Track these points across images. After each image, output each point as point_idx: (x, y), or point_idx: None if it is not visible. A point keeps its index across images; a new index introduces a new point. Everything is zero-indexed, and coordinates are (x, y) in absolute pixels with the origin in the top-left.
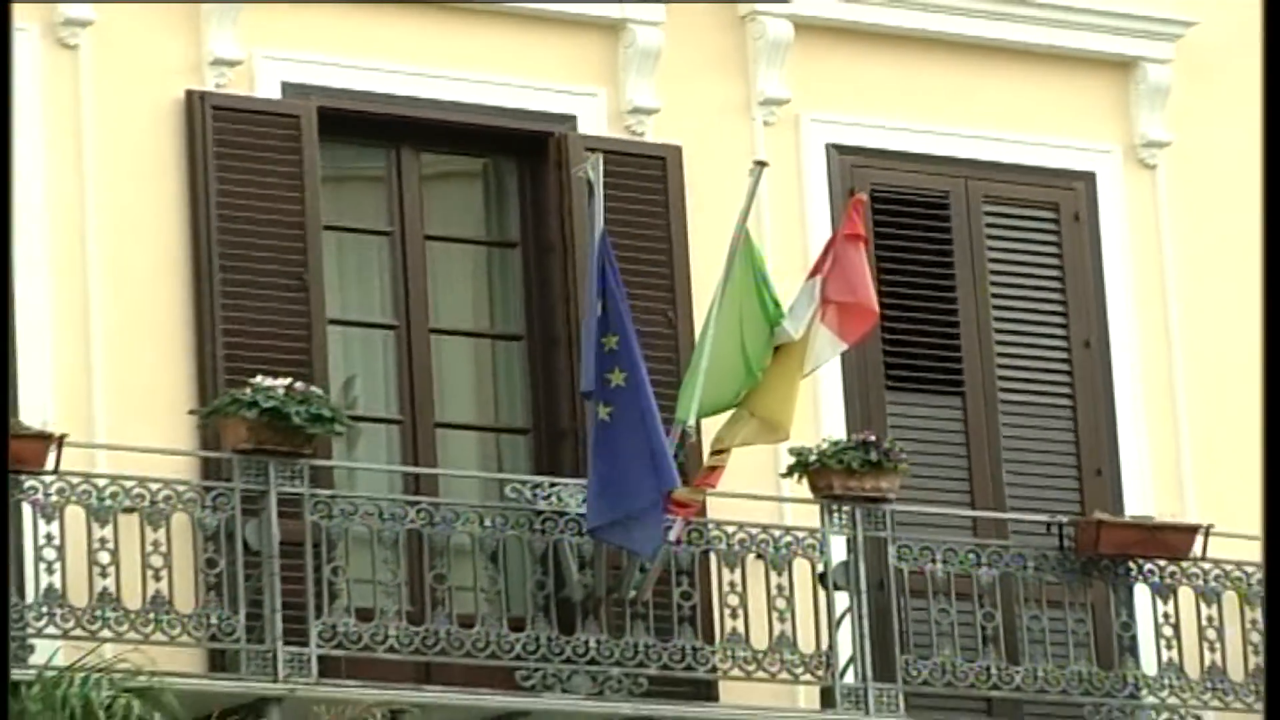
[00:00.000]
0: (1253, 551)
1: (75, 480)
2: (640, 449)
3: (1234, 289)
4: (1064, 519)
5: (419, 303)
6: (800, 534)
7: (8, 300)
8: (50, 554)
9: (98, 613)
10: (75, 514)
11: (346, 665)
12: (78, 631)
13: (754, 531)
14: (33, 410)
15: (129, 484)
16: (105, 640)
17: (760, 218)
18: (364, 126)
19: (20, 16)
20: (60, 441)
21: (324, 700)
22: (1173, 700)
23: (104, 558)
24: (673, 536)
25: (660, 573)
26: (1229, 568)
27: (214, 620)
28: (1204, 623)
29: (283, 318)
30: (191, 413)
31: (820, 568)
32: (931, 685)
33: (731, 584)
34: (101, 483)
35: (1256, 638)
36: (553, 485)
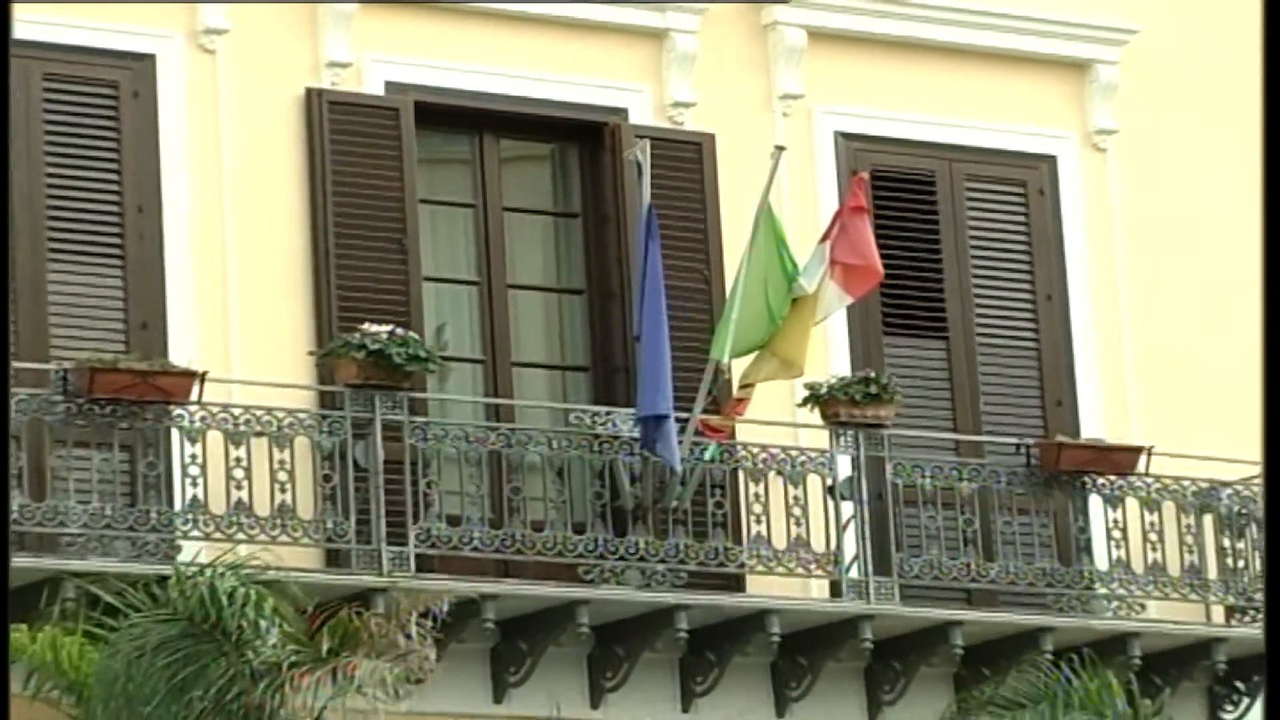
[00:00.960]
0: (1187, 468)
1: (215, 410)
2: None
3: (1173, 252)
4: (1030, 441)
5: (498, 263)
6: (812, 454)
7: (6, 293)
8: (194, 471)
9: (233, 519)
10: (215, 438)
11: (438, 562)
12: (217, 535)
13: (774, 452)
14: (180, 352)
15: (259, 413)
16: (239, 542)
17: (780, 193)
18: (452, 117)
19: (165, 25)
20: (203, 378)
21: (420, 591)
22: (1121, 591)
23: (238, 474)
24: (708, 456)
25: (697, 486)
26: (1168, 481)
27: (329, 525)
28: (1147, 527)
29: (385, 275)
30: (311, 354)
31: (829, 482)
32: (921, 579)
33: (756, 495)
34: (237, 412)
35: (1190, 539)
36: (608, 413)
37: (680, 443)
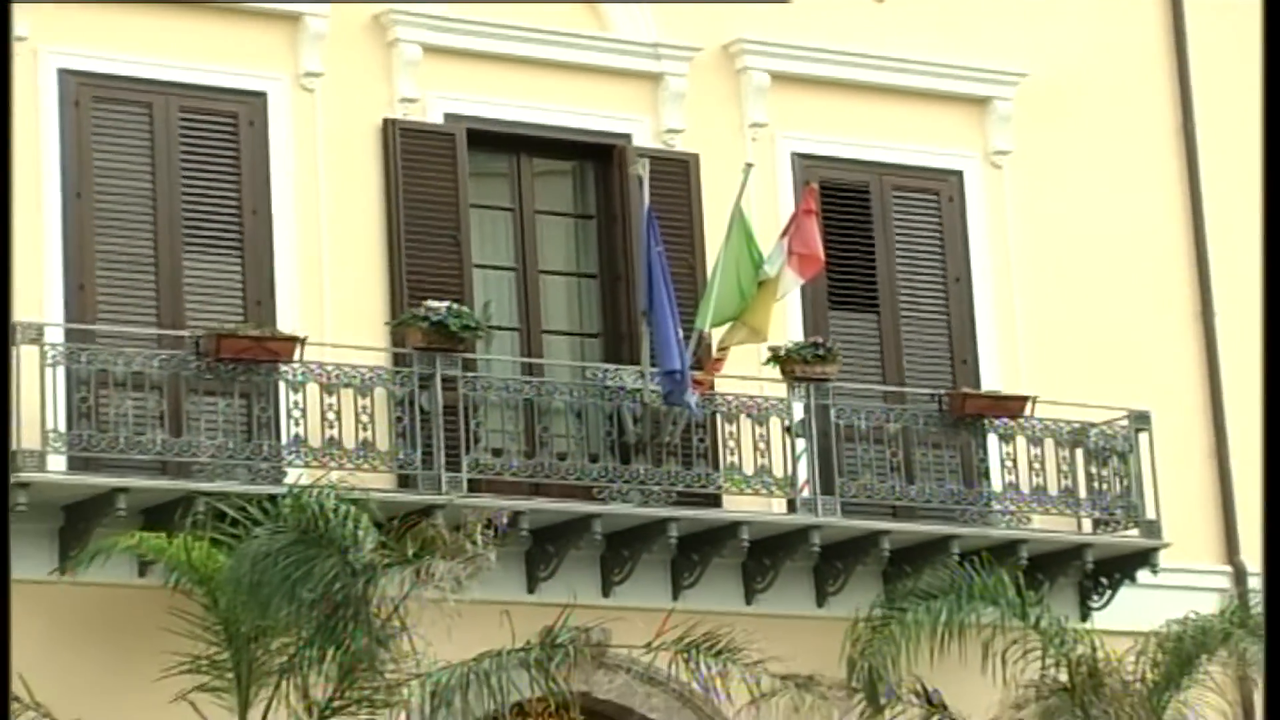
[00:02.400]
0: (1063, 412)
1: (312, 366)
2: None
3: (1054, 245)
4: (942, 392)
5: (530, 254)
6: (774, 401)
7: (8, 293)
8: (296, 414)
9: (327, 451)
10: (312, 388)
11: (484, 484)
12: (314, 463)
13: (744, 400)
14: (286, 322)
15: (346, 369)
16: (332, 469)
17: (749, 199)
18: (496, 141)
19: (275, 69)
20: (303, 342)
21: (470, 507)
22: (1011, 508)
23: (330, 416)
24: (693, 404)
25: (685, 425)
26: (1048, 423)
27: (400, 456)
28: (1031, 458)
29: (443, 263)
30: (386, 324)
31: (786, 423)
32: (857, 498)
33: (730, 433)
34: (329, 368)
35: (1065, 468)
36: (616, 370)
37: (690, 389)
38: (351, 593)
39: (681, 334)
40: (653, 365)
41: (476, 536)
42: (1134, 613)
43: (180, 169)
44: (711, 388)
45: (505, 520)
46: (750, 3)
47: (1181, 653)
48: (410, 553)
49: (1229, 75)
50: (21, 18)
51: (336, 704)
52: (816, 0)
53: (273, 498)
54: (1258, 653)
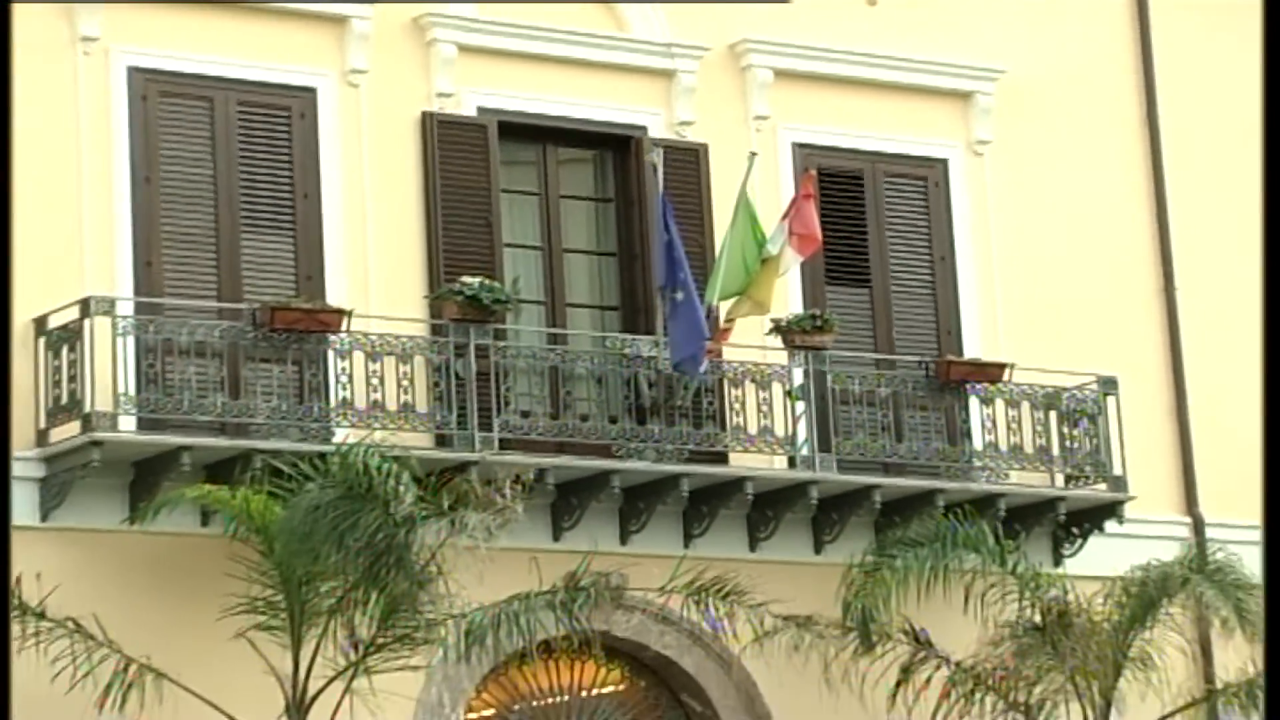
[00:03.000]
0: (1038, 378)
1: (358, 336)
2: (689, 327)
3: (1030, 225)
4: (928, 359)
5: (555, 234)
6: (776, 368)
7: (9, 291)
8: (343, 379)
9: (371, 413)
10: (358, 356)
11: (514, 443)
12: (359, 424)
13: (749, 366)
14: (334, 296)
15: (389, 338)
16: (375, 429)
17: (753, 184)
18: (524, 132)
19: (323, 66)
20: (350, 314)
21: (501, 463)
22: (991, 464)
23: (374, 381)
24: (702, 369)
25: (695, 390)
26: (1024, 387)
27: (438, 417)
28: (1009, 419)
29: (477, 241)
30: (425, 297)
31: (787, 387)
32: (851, 455)
33: (736, 396)
34: (373, 337)
35: (1040, 428)
36: (633, 340)
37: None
38: (393, 542)
39: (701, 307)
40: (666, 334)
41: (505, 491)
42: (1102, 560)
43: (238, 157)
44: (720, 355)
45: (531, 477)
46: (755, 3)
47: (1144, 596)
48: (446, 505)
49: (1190, 71)
50: (92, 19)
51: (380, 641)
52: (815, 3)
53: (322, 455)
54: (1214, 596)
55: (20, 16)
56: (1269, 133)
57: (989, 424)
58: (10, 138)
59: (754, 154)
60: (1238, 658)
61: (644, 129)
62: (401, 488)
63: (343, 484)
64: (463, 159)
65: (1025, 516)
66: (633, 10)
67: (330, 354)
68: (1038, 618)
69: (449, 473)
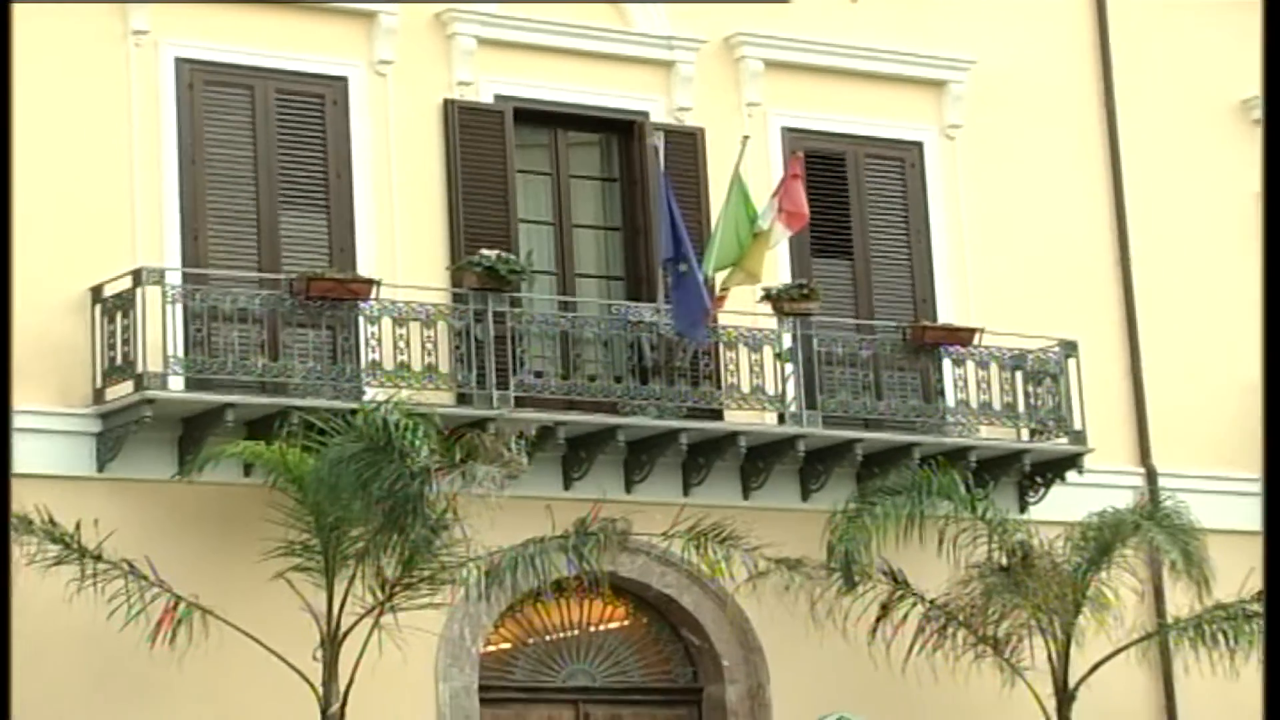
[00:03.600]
0: (1005, 341)
1: (386, 303)
2: (692, 297)
3: (997, 202)
4: (905, 324)
5: (566, 210)
6: (767, 332)
7: (8, 288)
8: (373, 343)
9: (398, 373)
10: (386, 322)
11: (528, 401)
12: (387, 384)
13: (742, 330)
14: (365, 267)
15: (414, 305)
16: (402, 388)
17: (746, 165)
18: (537, 117)
19: (353, 57)
20: (378, 283)
21: (516, 420)
22: (962, 420)
23: (401, 344)
24: (699, 335)
25: (693, 353)
26: (992, 349)
27: (459, 377)
28: (979, 379)
29: (495, 218)
30: (447, 268)
31: (777, 350)
32: (835, 412)
33: (730, 358)
34: (400, 304)
35: (1006, 386)
36: (636, 307)
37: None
38: (410, 491)
39: (702, 278)
40: (667, 302)
41: (511, 445)
42: (1062, 507)
43: (276, 140)
44: (716, 321)
45: (532, 432)
46: (747, 2)
47: (1101, 540)
48: (458, 458)
49: (1143, 60)
50: (142, 15)
51: (405, 581)
52: (802, 1)
53: (352, 412)
54: (1165, 541)
55: (76, 13)
56: (1269, 132)
57: (960, 383)
58: (10, 138)
59: (746, 137)
60: (1186, 597)
61: (646, 114)
62: (417, 442)
63: (366, 439)
64: (481, 142)
65: (993, 467)
66: (636, 7)
67: (361, 320)
68: (1004, 560)
69: (467, 428)
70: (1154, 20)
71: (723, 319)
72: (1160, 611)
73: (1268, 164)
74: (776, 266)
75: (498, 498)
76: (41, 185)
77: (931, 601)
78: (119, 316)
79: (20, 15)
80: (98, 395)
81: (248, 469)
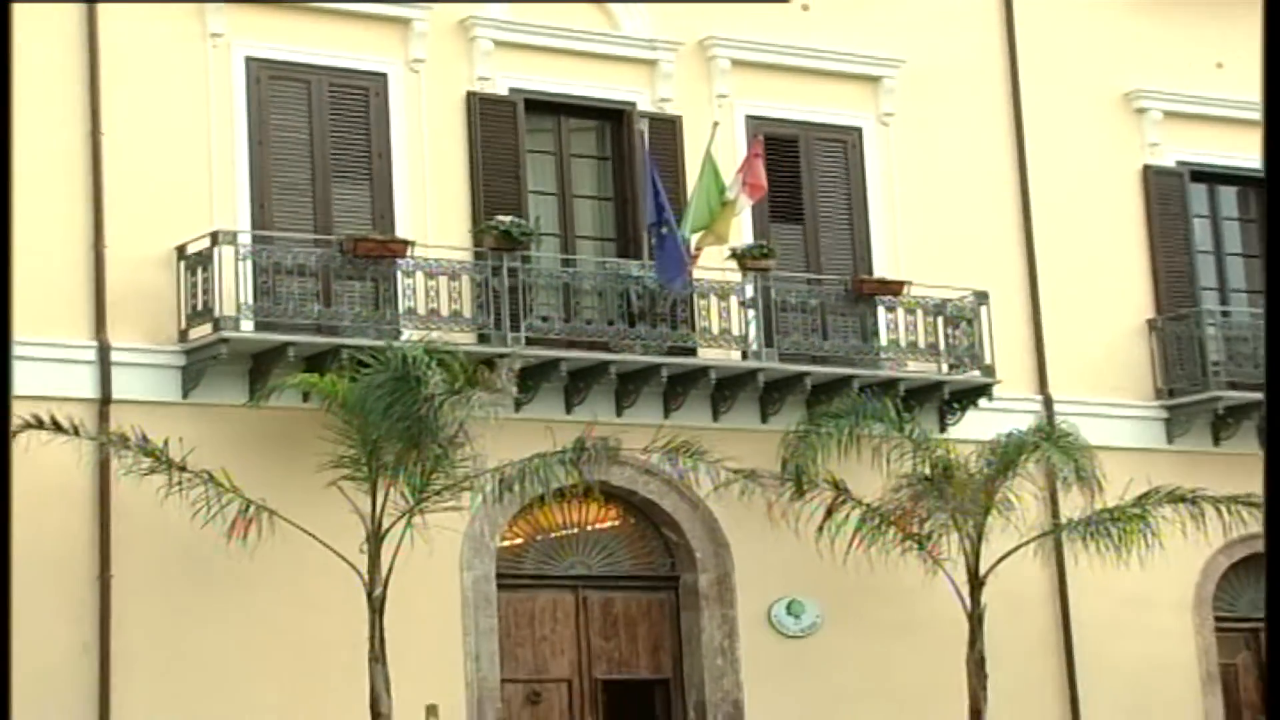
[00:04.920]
0: (929, 291)
1: (420, 260)
2: (671, 255)
3: (923, 175)
4: (847, 277)
5: (567, 183)
6: (733, 284)
7: (8, 288)
8: (408, 292)
9: (430, 319)
10: (419, 275)
11: (536, 340)
12: (420, 326)
13: (713, 283)
14: (401, 230)
15: (443, 261)
16: (431, 329)
17: (716, 146)
18: (544, 106)
19: (391, 56)
20: (413, 244)
21: (526, 355)
22: (893, 357)
23: (433, 293)
24: (678, 286)
25: (672, 301)
26: (919, 299)
27: (479, 320)
28: (907, 322)
29: (508, 189)
30: (470, 231)
31: (741, 299)
32: (789, 349)
33: (703, 305)
34: (431, 261)
35: (930, 330)
36: (625, 263)
37: (685, 275)
38: (426, 414)
39: (680, 239)
40: (653, 261)
41: (503, 377)
42: (975, 428)
43: (328, 125)
44: (691, 275)
45: (516, 367)
46: (718, 3)
47: (1006, 455)
48: (461, 387)
49: (1044, 60)
50: (218, 20)
51: (430, 489)
52: (763, 10)
53: (382, 350)
54: (1059, 456)
55: (163, 19)
56: (1269, 132)
57: (892, 326)
58: (10, 136)
59: (716, 123)
60: (1077, 502)
61: (634, 104)
62: (431, 374)
63: (391, 371)
64: (497, 127)
65: (918, 395)
66: (625, 14)
67: (398, 274)
68: (928, 471)
69: (486, 363)
70: (1053, 25)
71: (696, 274)
72: (1055, 513)
73: (1268, 164)
74: (741, 230)
75: (496, 420)
76: (134, 162)
77: (867, 505)
78: (199, 270)
79: (114, 21)
80: (182, 335)
81: (305, 396)
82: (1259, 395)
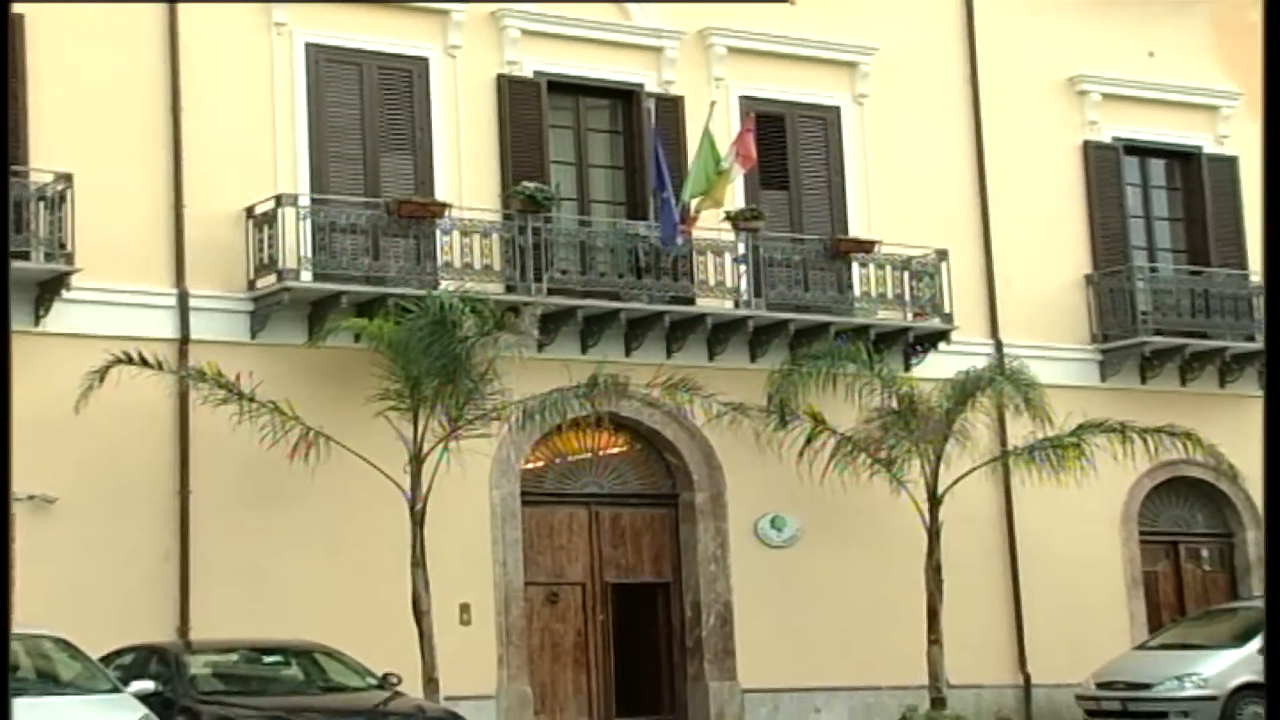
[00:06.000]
0: (897, 249)
1: (456, 220)
2: (671, 216)
3: (891, 148)
4: (826, 237)
5: (585, 155)
6: (727, 242)
7: (7, 290)
8: (446, 248)
9: (462, 269)
10: (455, 234)
11: (557, 290)
12: (455, 277)
13: (710, 241)
14: (440, 194)
15: (476, 221)
16: (468, 281)
17: (714, 123)
18: (564, 87)
19: (430, 42)
20: (450, 206)
21: (550, 304)
22: (865, 306)
23: (466, 251)
24: (679, 242)
25: (674, 257)
26: (889, 256)
27: (507, 273)
28: (862, 278)
29: (532, 160)
30: (500, 195)
31: (734, 256)
32: (776, 300)
33: (701, 261)
34: (466, 221)
35: (896, 283)
36: (634, 223)
37: (680, 235)
38: (459, 354)
39: (677, 204)
40: (657, 222)
41: (526, 322)
42: (936, 367)
43: (378, 102)
44: (690, 235)
45: (537, 314)
46: (715, 3)
47: (963, 391)
48: (488, 330)
49: (1000, 48)
50: (282, 11)
51: (464, 418)
52: (755, 4)
53: (422, 298)
54: (1009, 391)
55: (236, 12)
56: (1269, 132)
57: (864, 279)
58: (8, 134)
59: (713, 103)
60: (1022, 432)
61: (642, 86)
62: (463, 319)
63: (430, 316)
64: (523, 105)
65: (887, 339)
66: (635, 7)
67: (437, 232)
68: (894, 405)
69: (512, 309)
70: (1007, 18)
71: (695, 233)
72: (1003, 441)
73: (1268, 164)
74: (734, 196)
75: (521, 359)
76: (210, 135)
77: (842, 435)
78: (265, 228)
79: (192, 15)
80: (250, 284)
81: (356, 338)
82: (1181, 340)
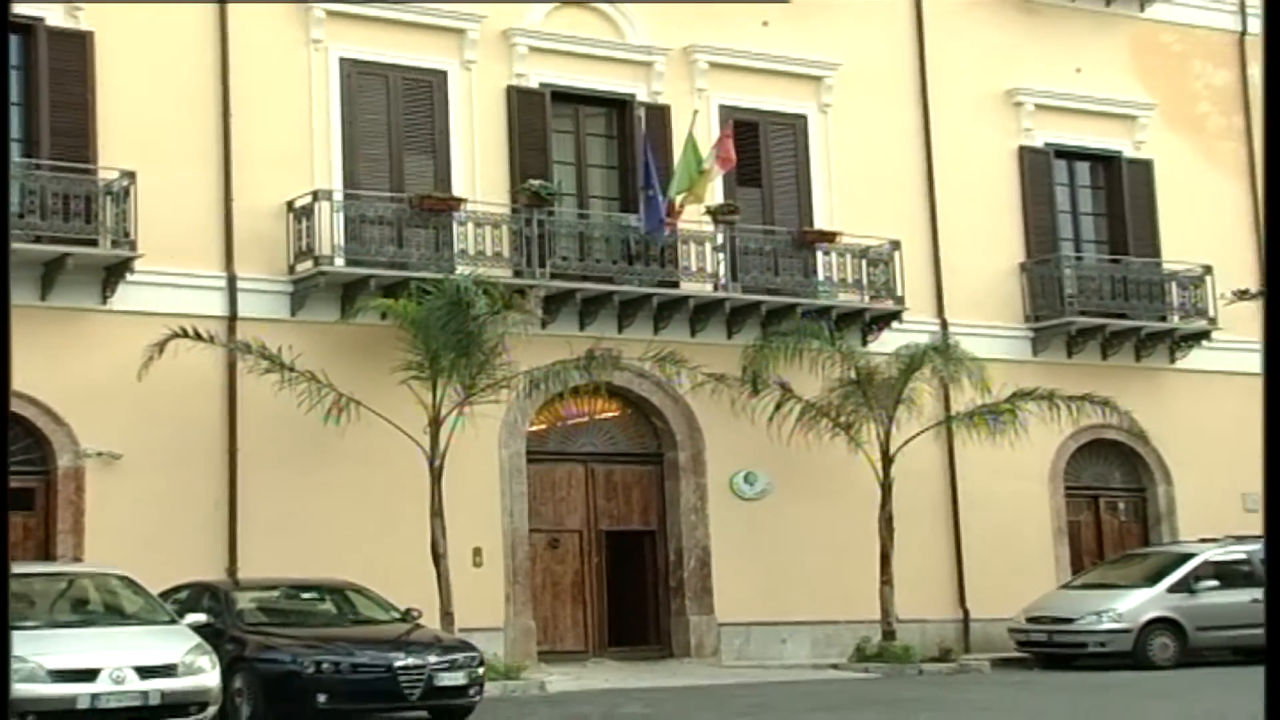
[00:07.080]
0: (858, 240)
1: (470, 213)
2: (656, 211)
3: (851, 147)
4: (794, 229)
5: (583, 157)
6: (707, 233)
7: (7, 295)
8: (461, 237)
9: (475, 255)
10: (470, 225)
11: (558, 275)
12: (469, 263)
13: (692, 232)
14: (457, 189)
15: (488, 214)
16: (481, 266)
17: (697, 128)
18: (566, 97)
19: (448, 58)
20: (465, 201)
21: (552, 287)
22: (827, 290)
23: (479, 240)
24: (665, 234)
25: (660, 248)
26: (850, 245)
27: (515, 260)
28: (838, 263)
29: (538, 159)
30: (508, 191)
31: (714, 245)
32: (749, 284)
33: (684, 249)
34: (479, 213)
35: (857, 268)
36: (626, 216)
37: (664, 227)
38: (472, 330)
39: (663, 199)
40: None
41: (531, 302)
42: (889, 343)
43: (402, 110)
44: (675, 227)
45: (541, 295)
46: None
47: (911, 364)
48: (498, 309)
49: (946, 62)
50: (319, 28)
51: (476, 386)
52: (733, 24)
53: (466, 288)
54: (951, 365)
55: (277, 28)
56: (1269, 132)
57: (828, 266)
58: (8, 134)
59: (696, 111)
60: (963, 399)
61: (634, 96)
62: (477, 299)
63: (447, 297)
64: (530, 112)
65: (847, 319)
66: (628, 26)
67: (454, 223)
68: (853, 375)
69: (519, 292)
70: (952, 38)
71: (680, 226)
72: (947, 407)
73: (1268, 164)
74: (714, 192)
75: (526, 335)
76: (256, 137)
77: (807, 402)
78: (304, 220)
79: (240, 32)
80: (290, 269)
81: (383, 316)
82: (1102, 320)
